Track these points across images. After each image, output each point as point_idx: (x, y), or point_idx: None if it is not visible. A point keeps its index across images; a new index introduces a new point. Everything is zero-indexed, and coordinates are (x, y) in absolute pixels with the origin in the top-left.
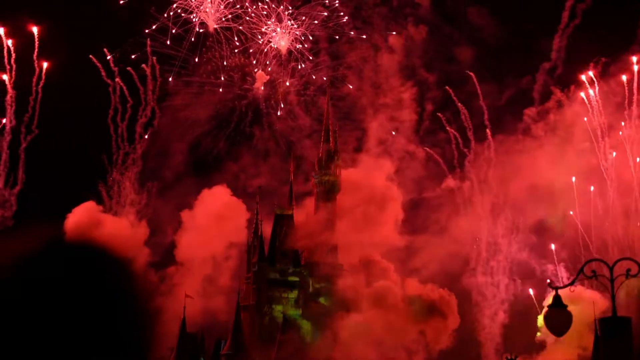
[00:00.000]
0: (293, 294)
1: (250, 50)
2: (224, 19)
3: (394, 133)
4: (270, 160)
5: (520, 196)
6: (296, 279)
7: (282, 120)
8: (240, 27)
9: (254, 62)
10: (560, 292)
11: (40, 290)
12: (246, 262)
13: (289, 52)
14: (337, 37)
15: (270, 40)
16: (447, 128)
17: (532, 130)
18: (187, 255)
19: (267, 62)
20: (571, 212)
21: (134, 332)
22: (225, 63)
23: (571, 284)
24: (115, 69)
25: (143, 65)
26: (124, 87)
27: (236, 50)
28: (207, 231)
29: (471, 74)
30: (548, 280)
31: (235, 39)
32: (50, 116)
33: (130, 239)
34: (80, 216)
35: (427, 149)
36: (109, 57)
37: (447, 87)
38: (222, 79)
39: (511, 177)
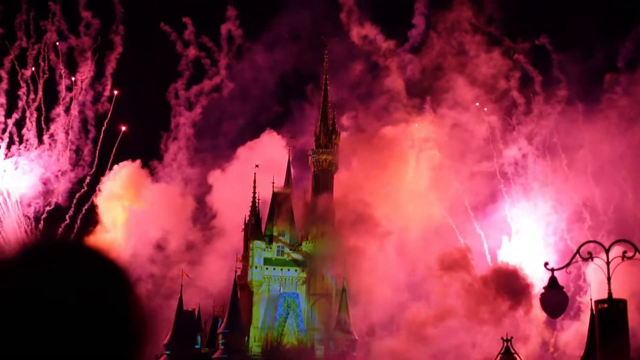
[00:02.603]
0: (290, 273)
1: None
2: None
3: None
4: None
5: (572, 169)
6: (293, 257)
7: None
8: None
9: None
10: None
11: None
12: (243, 241)
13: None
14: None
15: None
16: (514, 95)
17: (611, 99)
18: (220, 220)
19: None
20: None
21: (124, 340)
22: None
23: (566, 266)
24: (190, 37)
25: (222, 27)
26: (202, 55)
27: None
28: (240, 192)
29: (544, 40)
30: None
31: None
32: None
33: (176, 210)
34: (121, 180)
35: (490, 116)
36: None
37: (516, 56)
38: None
39: (567, 149)
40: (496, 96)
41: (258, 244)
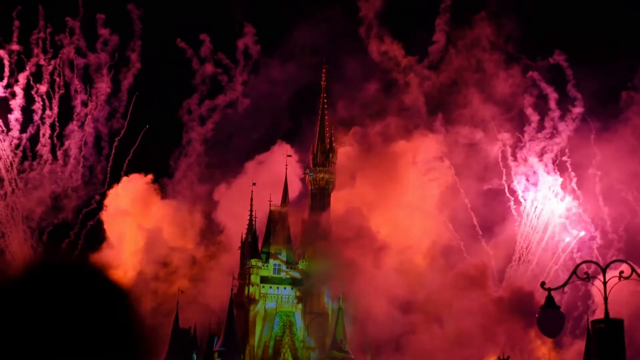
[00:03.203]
0: (287, 291)
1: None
2: None
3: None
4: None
5: (583, 187)
6: (290, 275)
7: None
8: None
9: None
10: None
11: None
12: (240, 259)
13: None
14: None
15: None
16: (528, 112)
17: (626, 117)
18: (225, 235)
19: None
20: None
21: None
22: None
23: (564, 285)
24: (207, 54)
25: (239, 42)
26: (219, 71)
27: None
28: (246, 207)
29: (558, 58)
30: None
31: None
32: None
33: (184, 227)
34: (130, 196)
35: (503, 134)
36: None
37: (530, 73)
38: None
39: (579, 167)
40: (511, 114)
41: (255, 262)
